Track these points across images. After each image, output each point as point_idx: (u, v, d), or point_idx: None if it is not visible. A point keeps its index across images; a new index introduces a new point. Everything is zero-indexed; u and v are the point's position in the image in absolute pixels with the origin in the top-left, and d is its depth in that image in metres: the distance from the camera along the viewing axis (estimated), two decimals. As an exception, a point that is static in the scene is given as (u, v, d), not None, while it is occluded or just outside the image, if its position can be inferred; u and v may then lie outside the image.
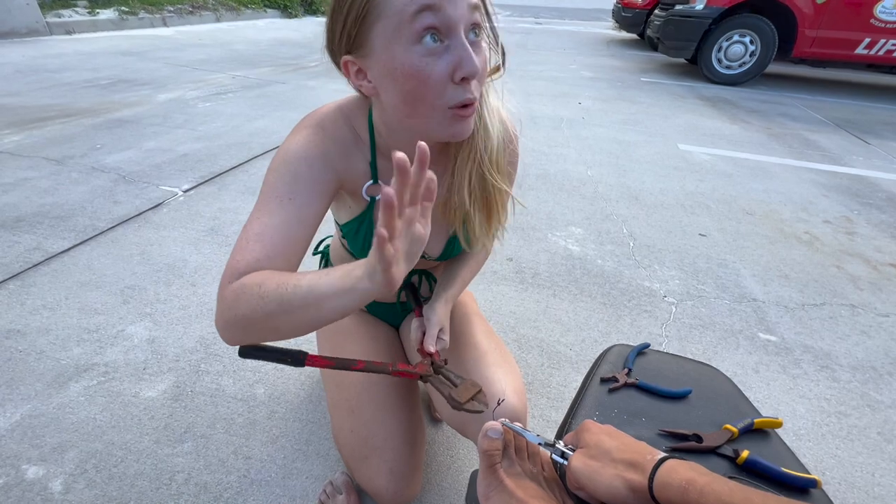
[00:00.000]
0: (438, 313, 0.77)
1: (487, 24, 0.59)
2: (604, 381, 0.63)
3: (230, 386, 1.16)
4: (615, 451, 0.44)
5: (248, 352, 0.60)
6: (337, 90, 4.10)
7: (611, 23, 11.20)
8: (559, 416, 1.14)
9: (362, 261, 0.46)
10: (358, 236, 0.76)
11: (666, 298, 1.63)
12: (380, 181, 0.70)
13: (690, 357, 0.70)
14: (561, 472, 0.50)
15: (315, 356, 0.62)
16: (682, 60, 6.52)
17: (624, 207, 2.29)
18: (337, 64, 0.61)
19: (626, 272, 1.76)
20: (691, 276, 1.76)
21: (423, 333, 0.74)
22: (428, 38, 0.52)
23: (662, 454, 0.41)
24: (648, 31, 6.10)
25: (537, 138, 3.22)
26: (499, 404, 0.66)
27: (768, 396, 1.25)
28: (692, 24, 5.05)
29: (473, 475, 1.01)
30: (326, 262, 0.98)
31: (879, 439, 1.14)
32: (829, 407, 1.23)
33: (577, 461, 0.45)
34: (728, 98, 4.81)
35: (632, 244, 1.96)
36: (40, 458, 0.96)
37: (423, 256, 0.80)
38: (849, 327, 1.54)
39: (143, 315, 1.37)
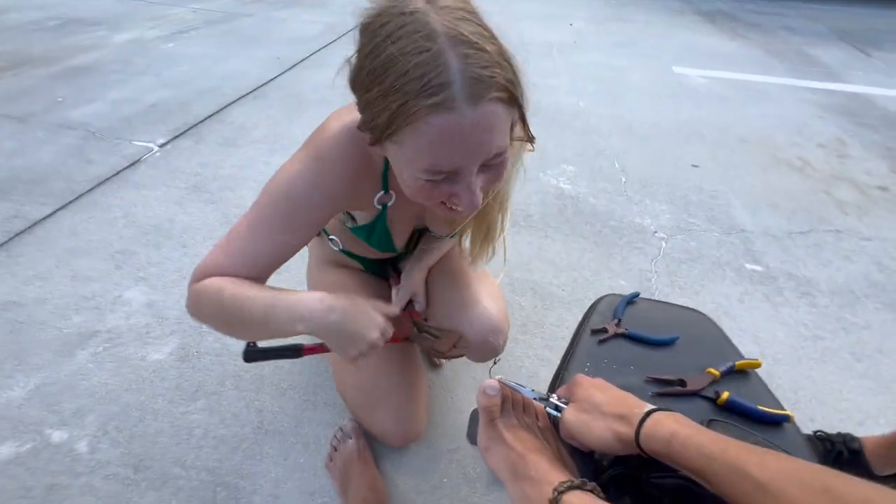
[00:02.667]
0: (414, 279, 0.84)
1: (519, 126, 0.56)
2: (594, 332, 0.65)
3: (234, 344, 1.19)
4: (605, 405, 0.46)
5: (252, 356, 0.71)
6: (310, 20, 3.79)
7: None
8: (552, 356, 1.20)
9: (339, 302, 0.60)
10: (372, 236, 0.79)
11: (656, 234, 1.65)
12: (391, 190, 0.70)
13: (678, 303, 0.73)
14: (555, 422, 0.53)
15: (310, 346, 0.71)
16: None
17: (617, 140, 2.23)
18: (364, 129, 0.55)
19: (618, 209, 1.76)
20: (682, 210, 1.77)
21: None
22: (433, 180, 0.52)
23: (650, 407, 0.44)
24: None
25: (527, 68, 3.04)
26: (495, 363, 0.70)
27: (751, 325, 1.31)
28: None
29: (473, 414, 1.08)
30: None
31: (850, 359, 1.23)
32: (807, 331, 1.30)
33: (570, 415, 0.48)
34: (728, 11, 4.52)
35: (624, 179, 1.94)
36: (62, 423, 1.01)
37: (431, 233, 0.86)
38: (832, 253, 1.59)
39: (137, 279, 1.37)
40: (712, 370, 0.59)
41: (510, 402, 0.53)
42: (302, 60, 2.98)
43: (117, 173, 1.84)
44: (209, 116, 2.28)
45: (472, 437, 1.02)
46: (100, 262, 1.43)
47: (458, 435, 1.02)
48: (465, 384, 1.12)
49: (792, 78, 3.05)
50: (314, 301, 0.60)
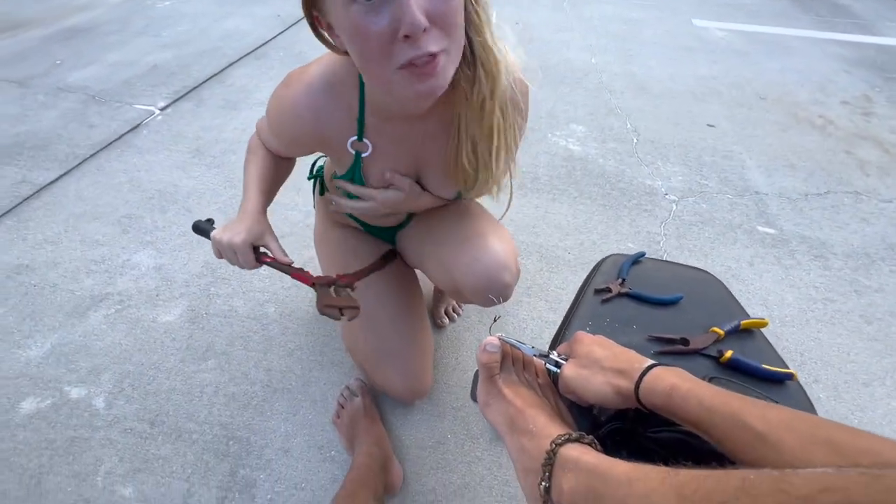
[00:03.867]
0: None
1: None
2: (597, 291, 0.65)
3: (242, 306, 1.21)
4: (605, 360, 0.46)
5: (198, 227, 0.86)
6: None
7: None
8: (556, 318, 1.20)
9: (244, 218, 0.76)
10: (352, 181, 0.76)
11: (667, 196, 1.60)
12: (364, 139, 0.68)
13: (686, 263, 0.71)
14: (554, 378, 0.54)
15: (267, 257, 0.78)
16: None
17: (629, 99, 2.15)
18: (309, 19, 0.58)
19: (628, 171, 1.71)
20: (695, 171, 1.72)
21: None
22: (362, 3, 0.47)
23: (650, 362, 0.44)
24: None
25: (537, 23, 2.91)
26: (495, 321, 0.69)
27: (759, 288, 1.29)
28: None
29: (476, 374, 1.09)
30: (322, 187, 0.95)
31: (860, 322, 1.21)
32: (817, 294, 1.28)
33: (569, 370, 0.48)
34: (754, -42, 4.22)
35: (635, 140, 1.88)
36: (79, 381, 1.05)
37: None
38: (849, 215, 1.54)
39: (144, 244, 1.39)
40: (716, 329, 0.58)
41: (510, 360, 0.53)
42: (303, 18, 2.86)
43: (120, 137, 1.83)
44: (210, 78, 2.23)
45: (475, 396, 1.05)
46: (107, 226, 1.44)
47: (462, 393, 1.04)
48: (468, 345, 1.13)
49: (818, 30, 2.87)
50: (249, 203, 0.77)
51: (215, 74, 2.26)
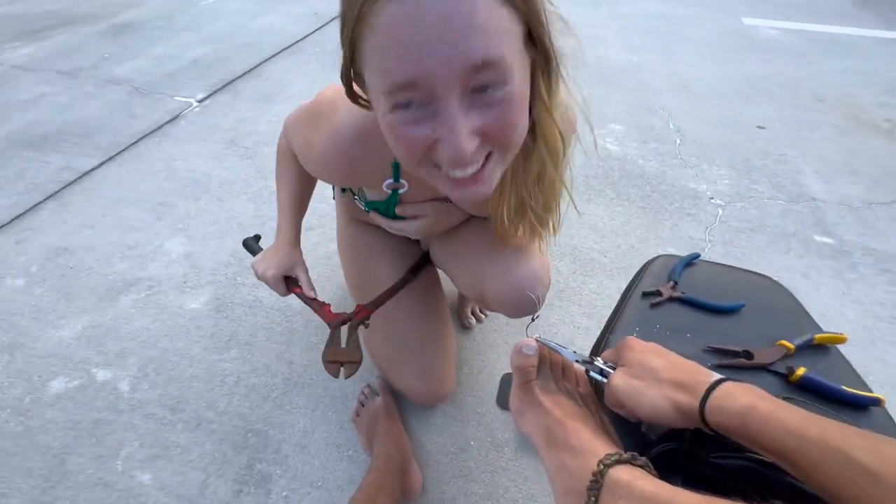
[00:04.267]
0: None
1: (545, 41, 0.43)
2: (646, 294, 0.58)
3: (267, 297, 1.20)
4: (662, 370, 0.40)
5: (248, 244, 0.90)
6: None
7: None
8: (591, 324, 1.13)
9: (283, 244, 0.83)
10: (385, 213, 0.75)
11: (713, 200, 1.51)
12: (401, 179, 0.64)
13: (745, 268, 0.64)
14: (597, 387, 0.48)
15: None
16: None
17: (672, 98, 2.04)
18: (345, 81, 0.48)
19: (670, 173, 1.62)
20: (743, 175, 1.61)
21: None
22: (403, 112, 0.40)
23: (718, 376, 0.38)
24: None
25: (573, 18, 2.81)
26: (533, 320, 0.64)
27: (816, 302, 1.18)
28: None
29: (504, 378, 1.04)
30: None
31: (935, 344, 1.09)
32: (884, 311, 1.16)
33: (619, 379, 0.42)
34: (811, -46, 3.99)
35: (678, 141, 1.78)
36: (106, 363, 1.06)
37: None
38: (920, 227, 1.40)
39: (176, 231, 1.40)
40: (785, 342, 0.51)
41: (548, 365, 0.48)
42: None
43: (159, 127, 1.87)
44: (247, 72, 2.26)
45: (502, 402, 1.00)
46: (143, 212, 1.47)
47: (487, 398, 0.99)
48: (496, 347, 1.08)
49: (884, 29, 2.67)
50: (285, 231, 0.83)
51: (252, 68, 2.29)
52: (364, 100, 0.48)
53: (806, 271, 1.27)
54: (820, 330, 0.54)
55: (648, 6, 3.00)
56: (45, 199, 1.52)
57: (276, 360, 1.06)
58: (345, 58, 0.43)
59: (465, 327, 1.11)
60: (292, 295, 0.84)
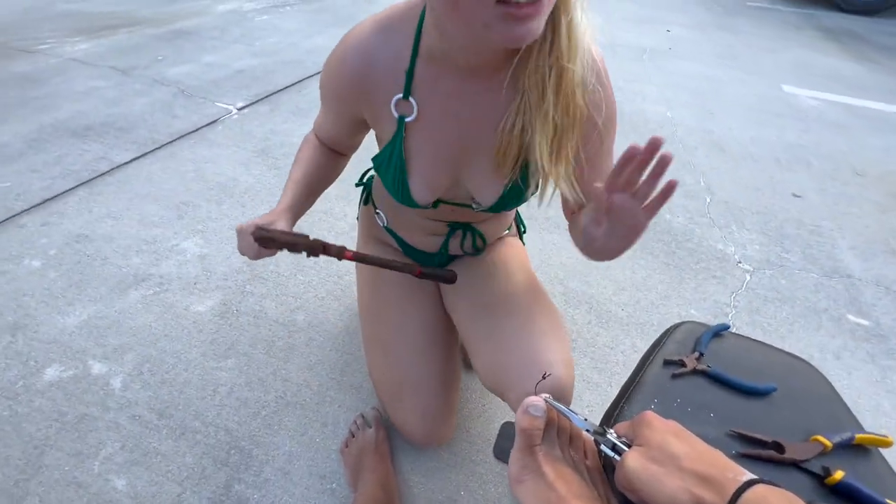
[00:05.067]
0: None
1: None
2: (668, 363, 0.54)
3: (272, 309, 1.18)
4: (685, 458, 0.36)
5: (261, 236, 0.67)
6: (396, 2, 3.81)
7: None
8: (601, 379, 1.07)
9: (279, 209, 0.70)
10: (388, 170, 0.66)
11: (740, 265, 1.45)
12: (411, 97, 0.60)
13: (775, 344, 0.59)
14: (607, 463, 0.43)
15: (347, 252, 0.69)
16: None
17: (705, 156, 2.02)
18: None
19: (698, 231, 1.58)
20: (775, 242, 1.55)
21: None
22: None
23: (749, 476, 0.33)
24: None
25: (614, 71, 2.85)
26: (543, 378, 0.60)
27: (848, 387, 1.10)
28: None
29: (504, 427, 0.98)
30: (368, 195, 0.92)
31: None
32: (923, 407, 1.07)
33: (634, 461, 0.38)
34: (856, 31, 4.01)
35: (708, 200, 1.74)
36: (104, 357, 1.04)
37: (471, 207, 0.71)
38: (965, 319, 1.31)
39: (195, 231, 1.41)
40: (821, 438, 0.46)
41: (555, 429, 0.43)
42: (383, 42, 2.99)
43: (196, 130, 1.92)
44: (288, 86, 2.33)
45: (498, 453, 0.94)
46: (165, 209, 1.49)
47: (484, 446, 0.93)
48: (499, 393, 1.03)
49: (932, 112, 2.62)
50: (282, 202, 0.72)
51: (294, 83, 2.37)
52: None
53: (838, 352, 1.19)
54: (861, 428, 0.49)
55: (689, 66, 3.02)
56: (76, 186, 1.56)
57: (272, 376, 1.03)
58: None
59: (468, 366, 1.07)
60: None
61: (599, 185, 0.49)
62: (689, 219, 1.63)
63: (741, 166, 1.97)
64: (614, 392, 1.05)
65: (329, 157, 0.78)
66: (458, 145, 0.63)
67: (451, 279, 0.77)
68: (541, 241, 1.49)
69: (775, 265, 1.46)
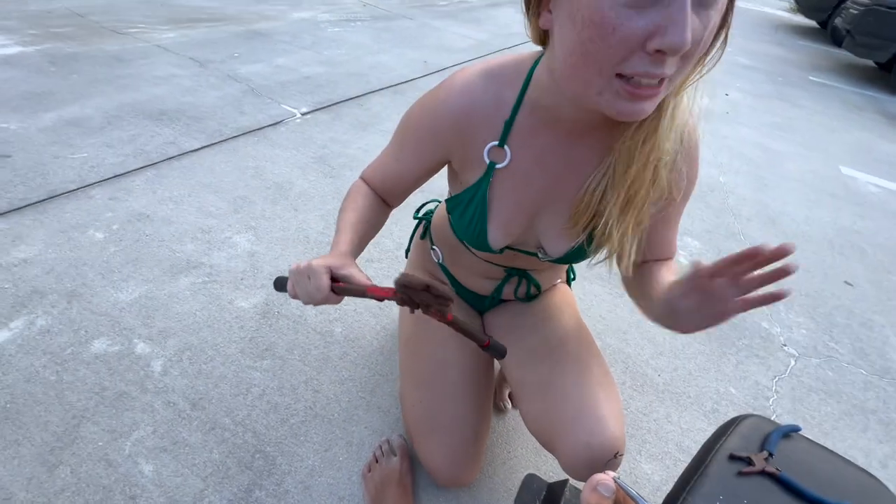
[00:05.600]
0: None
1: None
2: (734, 458, 0.52)
3: (312, 317, 1.20)
4: None
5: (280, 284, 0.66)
6: (463, 34, 3.94)
7: (787, 3, 9.48)
8: (632, 446, 1.04)
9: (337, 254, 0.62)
10: (465, 213, 0.66)
11: (785, 348, 1.40)
12: (507, 146, 0.61)
13: (848, 458, 0.56)
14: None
15: (376, 289, 0.59)
16: (871, 63, 5.38)
17: (756, 228, 1.98)
18: None
19: (743, 305, 1.53)
20: (823, 330, 1.49)
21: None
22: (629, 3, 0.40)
23: None
24: (836, 21, 5.05)
25: (667, 127, 2.85)
26: (615, 457, 0.59)
27: (894, 501, 1.03)
28: (902, 20, 4.08)
29: (528, 479, 0.96)
30: (426, 230, 0.92)
31: None
32: (976, 539, 0.99)
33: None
34: (922, 121, 3.90)
35: (756, 274, 1.70)
36: (148, 338, 1.08)
37: (536, 255, 0.71)
38: None
39: (248, 227, 1.46)
40: (899, 573, 0.43)
41: (618, 511, 0.42)
42: (446, 68, 3.08)
43: (261, 128, 2.01)
44: (351, 98, 2.42)
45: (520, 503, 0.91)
46: (223, 202, 1.54)
47: (505, 495, 0.91)
48: (527, 440, 1.01)
49: None
50: (337, 247, 0.64)
51: (356, 97, 2.45)
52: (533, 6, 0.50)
53: (885, 461, 1.12)
54: (941, 568, 0.46)
55: (748, 133, 3.00)
56: (145, 166, 1.64)
57: (304, 385, 1.04)
58: None
59: (499, 409, 1.05)
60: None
61: (703, 264, 0.49)
62: (734, 291, 1.59)
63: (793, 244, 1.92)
64: (643, 460, 1.02)
65: (380, 205, 0.73)
66: (540, 196, 0.64)
67: (503, 355, 0.69)
68: (581, 291, 1.47)
69: (822, 354, 1.40)
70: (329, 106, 2.30)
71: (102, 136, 1.75)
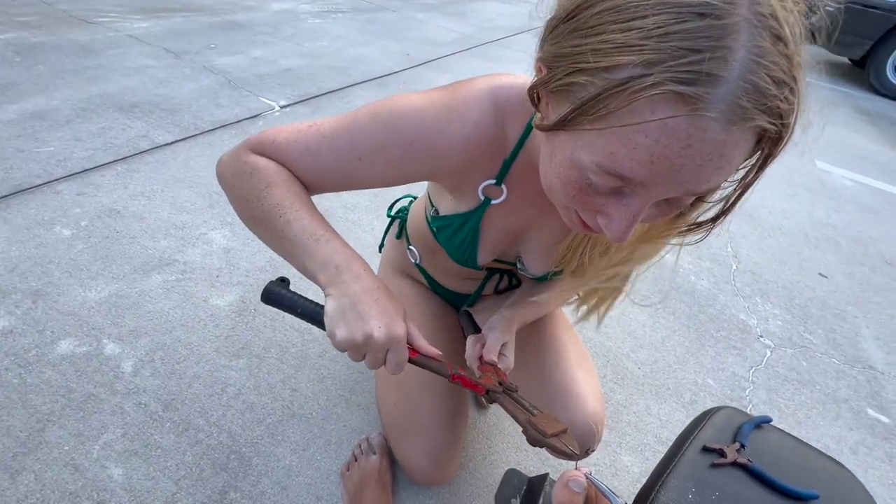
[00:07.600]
0: (504, 326, 0.69)
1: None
2: (707, 450, 0.52)
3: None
4: None
5: (272, 298, 0.56)
6: (446, 27, 3.90)
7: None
8: (611, 438, 1.05)
9: (362, 280, 0.50)
10: (455, 236, 0.66)
11: (762, 339, 1.42)
12: (503, 184, 0.59)
13: (820, 445, 0.57)
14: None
15: None
16: (846, 60, 5.50)
17: (733, 222, 2.01)
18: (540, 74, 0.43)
19: (721, 297, 1.56)
20: (798, 321, 1.53)
21: (482, 347, 0.66)
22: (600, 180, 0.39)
23: None
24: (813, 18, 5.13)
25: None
26: (587, 454, 0.58)
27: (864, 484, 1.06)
28: (875, 18, 4.18)
29: (508, 474, 0.96)
30: (401, 230, 0.89)
31: None
32: (941, 521, 1.03)
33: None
34: (894, 116, 4.01)
35: (734, 266, 1.73)
36: (118, 337, 1.04)
37: (515, 265, 0.72)
38: None
39: (224, 223, 1.42)
40: (865, 560, 0.44)
41: (590, 506, 0.42)
42: (429, 61, 3.05)
43: (238, 122, 1.96)
44: (331, 91, 2.38)
45: (500, 500, 0.91)
46: (198, 197, 1.50)
47: (486, 491, 0.91)
48: (508, 436, 1.01)
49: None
50: (358, 263, 0.52)
51: (337, 90, 2.41)
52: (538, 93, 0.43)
53: (855, 447, 1.15)
54: (905, 554, 0.47)
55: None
56: (116, 161, 1.58)
57: (281, 384, 1.02)
58: (554, 76, 0.38)
59: (481, 406, 1.05)
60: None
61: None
62: (713, 283, 1.61)
63: (770, 237, 1.96)
64: (623, 452, 1.03)
65: None
66: (529, 223, 0.66)
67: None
68: (563, 284, 1.47)
69: (797, 345, 1.43)
70: (309, 99, 2.26)
71: (70, 130, 1.68)
